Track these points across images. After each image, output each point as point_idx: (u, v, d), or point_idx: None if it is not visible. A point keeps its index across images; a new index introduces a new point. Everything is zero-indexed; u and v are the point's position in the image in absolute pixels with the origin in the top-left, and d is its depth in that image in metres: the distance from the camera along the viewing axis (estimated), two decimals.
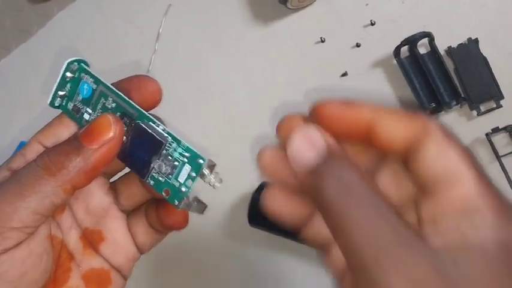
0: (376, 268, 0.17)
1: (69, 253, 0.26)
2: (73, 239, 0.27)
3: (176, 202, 0.24)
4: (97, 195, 0.27)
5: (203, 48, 0.49)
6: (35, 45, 0.54)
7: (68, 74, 0.26)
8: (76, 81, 0.26)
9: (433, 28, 0.43)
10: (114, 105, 0.26)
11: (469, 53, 0.43)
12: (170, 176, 0.24)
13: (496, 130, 0.42)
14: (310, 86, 0.46)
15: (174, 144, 0.24)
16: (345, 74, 0.45)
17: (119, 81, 0.26)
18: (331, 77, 0.46)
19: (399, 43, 0.43)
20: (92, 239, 0.27)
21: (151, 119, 0.24)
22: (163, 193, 0.24)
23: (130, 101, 0.25)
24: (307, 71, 0.46)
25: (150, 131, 0.24)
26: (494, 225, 0.18)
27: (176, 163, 0.24)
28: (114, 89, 0.25)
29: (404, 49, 0.43)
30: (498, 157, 0.42)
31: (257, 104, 0.48)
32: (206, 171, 0.24)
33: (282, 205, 0.23)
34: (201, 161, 0.24)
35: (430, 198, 0.19)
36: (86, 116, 0.26)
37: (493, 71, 0.42)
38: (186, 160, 0.24)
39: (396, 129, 0.20)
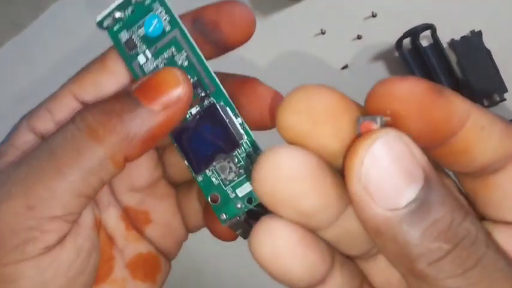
0: None
1: (108, 236, 0.21)
2: (112, 218, 0.21)
3: (224, 216, 0.19)
4: (145, 168, 0.22)
5: None
6: (27, 38, 0.53)
7: None
8: (143, 10, 0.20)
9: (435, 20, 0.42)
10: (186, 63, 0.19)
11: (472, 45, 0.42)
12: (228, 182, 0.19)
13: None
14: (310, 79, 0.45)
15: (250, 149, 0.19)
16: (345, 67, 0.45)
17: (201, 9, 0.20)
18: (332, 69, 0.45)
19: (401, 35, 0.42)
20: (135, 220, 0.22)
21: (230, 104, 0.19)
22: (209, 198, 0.19)
23: (211, 69, 0.19)
24: (307, 63, 0.46)
25: (227, 122, 0.19)
26: None
27: (242, 172, 0.19)
28: (194, 44, 0.19)
29: (407, 41, 0.43)
30: None
31: None
32: None
33: (289, 254, 0.14)
34: None
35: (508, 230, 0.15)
36: (141, 59, 0.20)
37: (497, 64, 0.42)
38: None
39: (493, 140, 0.14)
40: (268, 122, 0.20)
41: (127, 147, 0.17)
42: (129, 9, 0.20)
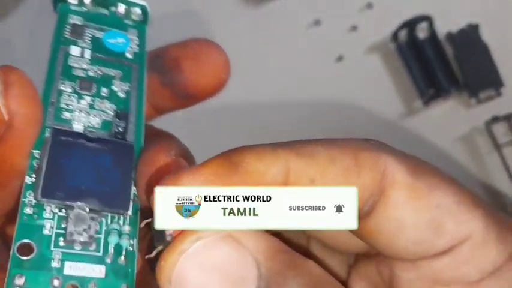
0: None
1: None
2: None
3: (19, 281, 0.13)
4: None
5: (189, 31, 0.47)
6: (7, 27, 0.52)
7: (122, 6, 0.17)
8: (117, 22, 0.17)
9: (432, 12, 0.41)
10: (123, 95, 0.16)
11: (469, 39, 0.42)
12: (65, 244, 0.14)
13: (495, 119, 0.41)
14: (303, 71, 0.44)
15: (126, 235, 0.14)
16: (340, 59, 0.44)
17: (167, 47, 0.16)
18: (326, 61, 0.44)
19: (397, 27, 0.41)
20: None
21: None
22: (18, 244, 0.13)
23: (143, 118, 0.16)
24: (300, 55, 0.45)
25: (132, 176, 0.15)
26: None
27: (94, 247, 0.14)
28: (144, 87, 0.16)
29: (403, 33, 0.42)
30: (497, 146, 0.40)
31: (246, 90, 0.46)
32: None
33: None
34: None
35: (413, 268, 0.13)
36: (74, 51, 0.16)
37: (494, 58, 0.41)
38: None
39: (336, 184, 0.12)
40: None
41: None
42: (100, 10, 0.17)
